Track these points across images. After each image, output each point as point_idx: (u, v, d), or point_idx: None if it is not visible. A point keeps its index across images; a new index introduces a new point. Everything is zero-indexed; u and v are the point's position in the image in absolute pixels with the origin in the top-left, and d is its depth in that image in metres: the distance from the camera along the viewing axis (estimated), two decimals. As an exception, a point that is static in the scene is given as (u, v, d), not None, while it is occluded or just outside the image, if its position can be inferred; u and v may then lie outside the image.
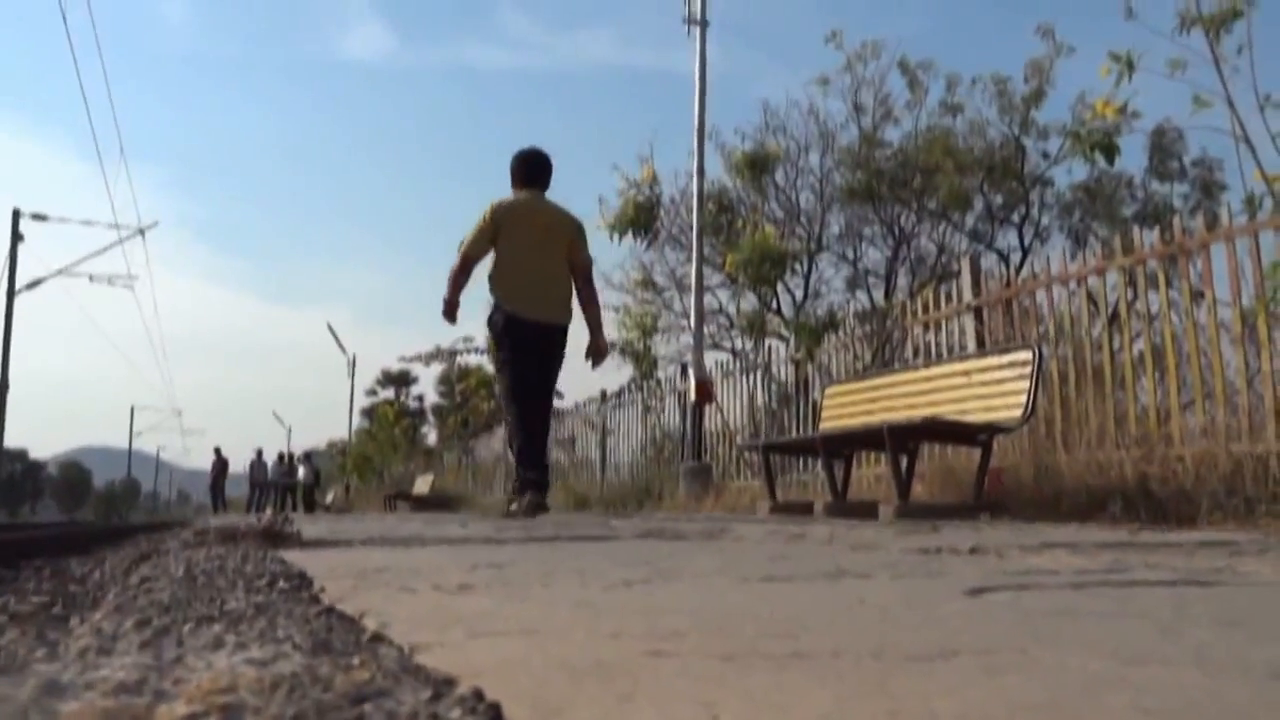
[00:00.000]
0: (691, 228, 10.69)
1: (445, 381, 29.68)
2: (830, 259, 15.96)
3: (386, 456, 26.89)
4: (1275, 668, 0.87)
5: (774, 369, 8.93)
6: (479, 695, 0.72)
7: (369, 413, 37.34)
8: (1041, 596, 1.42)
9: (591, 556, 2.26)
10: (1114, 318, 5.35)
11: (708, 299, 13.22)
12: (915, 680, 0.79)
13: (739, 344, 13.77)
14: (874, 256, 16.09)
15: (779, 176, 15.04)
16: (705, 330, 11.43)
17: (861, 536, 2.99)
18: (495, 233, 5.46)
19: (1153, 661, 0.89)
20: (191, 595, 1.55)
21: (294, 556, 2.28)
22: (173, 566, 2.27)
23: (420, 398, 44.86)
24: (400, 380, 45.27)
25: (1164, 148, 14.51)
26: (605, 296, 14.07)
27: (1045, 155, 15.18)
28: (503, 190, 5.80)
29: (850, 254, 16.06)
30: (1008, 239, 15.88)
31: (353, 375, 30.49)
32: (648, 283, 14.30)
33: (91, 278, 27.69)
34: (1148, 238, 5.22)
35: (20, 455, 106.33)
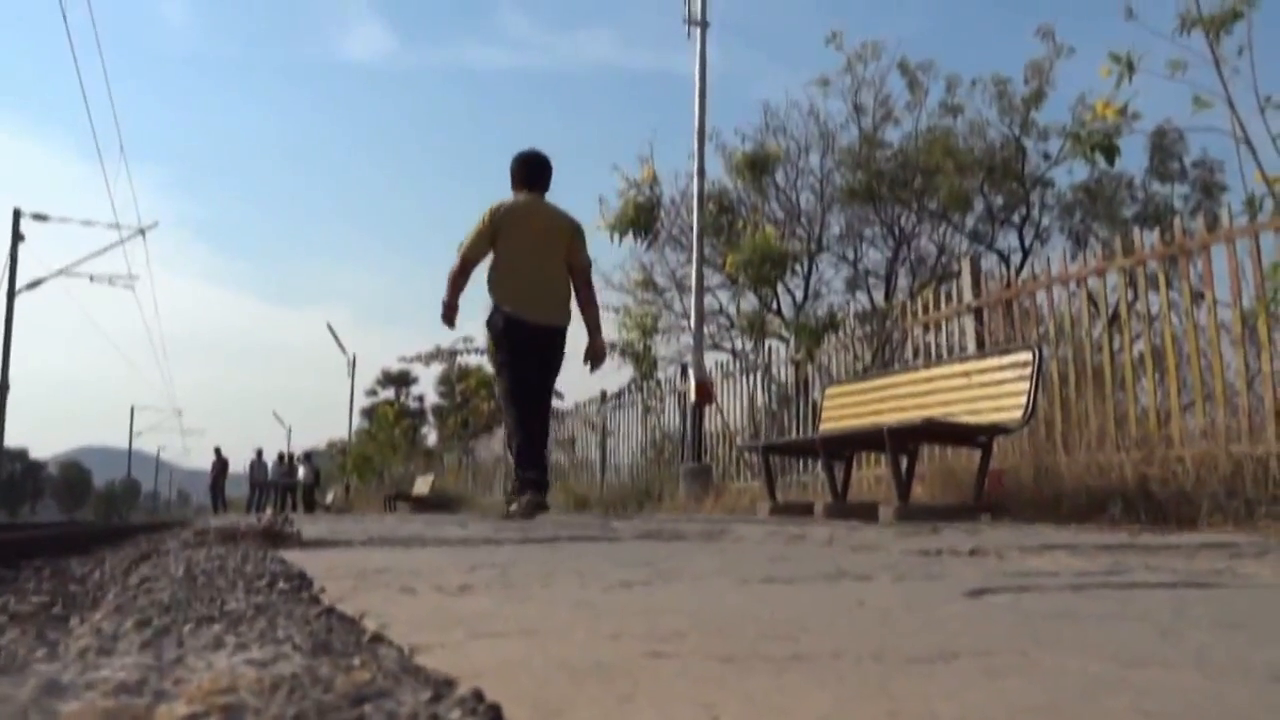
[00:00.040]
0: (692, 228, 10.69)
1: (445, 382, 29.68)
2: (830, 260, 15.97)
3: (386, 457, 26.88)
4: (1276, 670, 0.87)
5: (774, 370, 8.93)
6: (479, 696, 0.72)
7: (369, 413, 37.33)
8: (1042, 598, 1.42)
9: (591, 557, 2.26)
10: (1114, 319, 5.35)
11: (708, 300, 13.23)
12: (915, 682, 0.79)
13: (739, 345, 13.77)
14: (874, 257, 16.10)
15: (779, 177, 15.05)
16: (705, 331, 11.43)
17: (862, 538, 2.99)
18: (494, 235, 5.47)
19: (1153, 664, 0.89)
20: (191, 595, 1.55)
21: (294, 557, 2.28)
22: (173, 567, 2.27)
23: (420, 398, 44.87)
24: (400, 380, 45.28)
25: (1164, 149, 14.51)
26: (606, 297, 14.08)
27: (1046, 156, 15.19)
28: (503, 190, 5.82)
29: (850, 255, 16.07)
30: (1008, 240, 15.89)
31: (353, 375, 30.51)
32: (648, 283, 14.30)
33: (92, 278, 27.73)
34: (1148, 239, 5.22)
35: (20, 455, 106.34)
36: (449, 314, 5.63)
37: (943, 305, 6.72)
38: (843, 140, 15.38)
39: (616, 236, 11.13)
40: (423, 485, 18.15)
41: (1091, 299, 5.57)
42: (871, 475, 6.70)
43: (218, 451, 28.76)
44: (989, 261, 14.42)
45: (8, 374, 24.48)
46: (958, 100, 15.10)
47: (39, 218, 25.97)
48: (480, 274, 5.58)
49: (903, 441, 4.99)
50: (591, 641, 1.01)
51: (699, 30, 10.15)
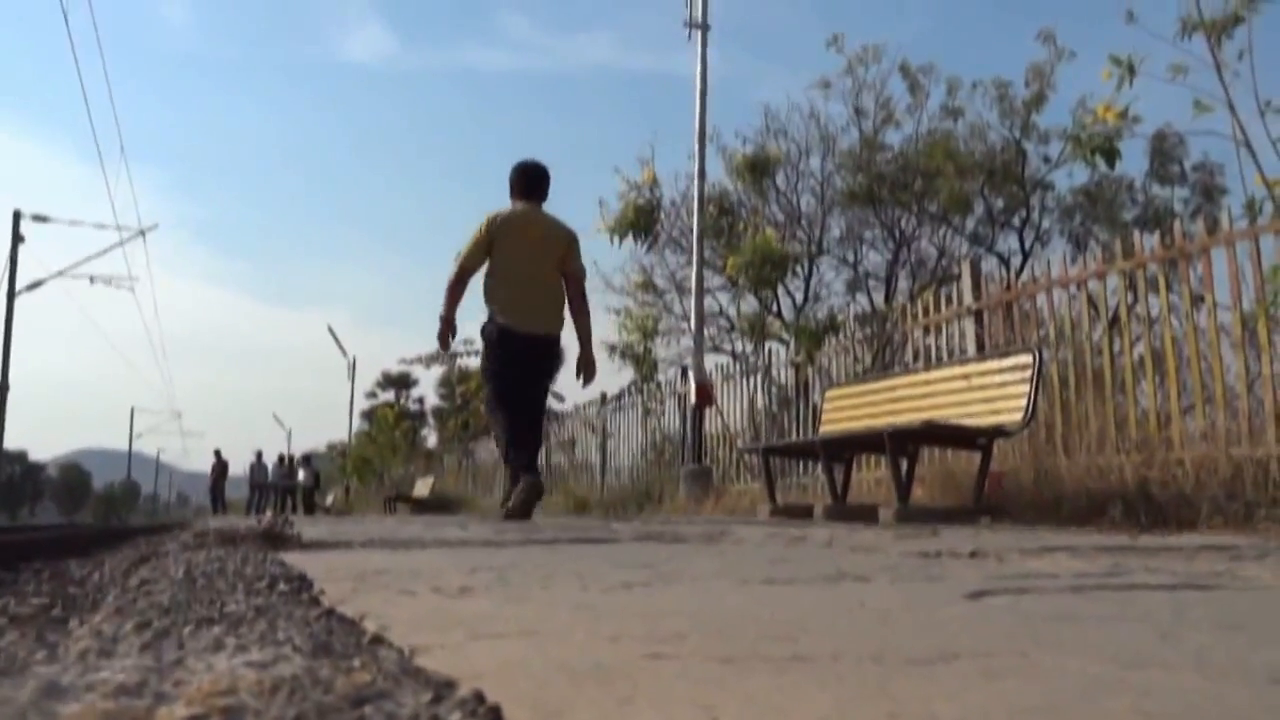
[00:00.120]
0: (692, 230, 10.69)
1: (446, 384, 29.68)
2: (831, 262, 15.97)
3: (386, 459, 26.88)
4: (1275, 672, 0.87)
5: (774, 372, 8.93)
6: (479, 697, 0.72)
7: (369, 415, 37.32)
8: (1041, 600, 1.42)
9: (591, 559, 2.26)
10: (1114, 321, 5.35)
11: (708, 302, 13.22)
12: (915, 683, 0.79)
13: (739, 347, 13.77)
14: (874, 259, 16.11)
15: (780, 179, 15.05)
16: (705, 333, 11.43)
17: (861, 539, 2.99)
18: (491, 244, 5.51)
19: (1152, 665, 0.89)
20: (191, 597, 1.55)
21: (294, 559, 2.28)
22: (172, 569, 2.27)
23: (420, 400, 44.88)
24: (400, 382, 45.28)
25: (1165, 152, 14.51)
26: (606, 299, 14.12)
27: (1046, 159, 15.19)
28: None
29: (851, 257, 16.07)
30: (1008, 242, 15.89)
31: (353, 377, 30.48)
32: (648, 285, 14.29)
33: (92, 279, 27.73)
34: (1148, 242, 5.22)
35: (20, 457, 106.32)
36: (446, 332, 5.66)
37: (943, 308, 6.73)
38: (843, 143, 15.40)
39: (616, 239, 11.14)
40: (423, 487, 18.15)
41: (1092, 302, 5.57)
42: (871, 477, 6.70)
43: (217, 453, 28.77)
44: (989, 264, 14.43)
45: (7, 375, 24.49)
46: (958, 103, 15.12)
47: (39, 219, 25.99)
48: (477, 282, 5.61)
49: (903, 444, 4.99)
50: (591, 643, 1.01)
51: (699, 33, 10.16)
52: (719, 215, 12.97)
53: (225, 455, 28.81)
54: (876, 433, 4.92)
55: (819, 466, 6.47)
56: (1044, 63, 14.34)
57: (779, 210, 15.26)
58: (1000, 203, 15.57)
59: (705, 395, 9.13)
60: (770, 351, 9.41)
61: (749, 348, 11.44)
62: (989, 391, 4.87)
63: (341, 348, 30.20)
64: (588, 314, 5.74)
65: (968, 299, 6.44)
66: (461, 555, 2.41)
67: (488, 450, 17.14)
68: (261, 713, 0.70)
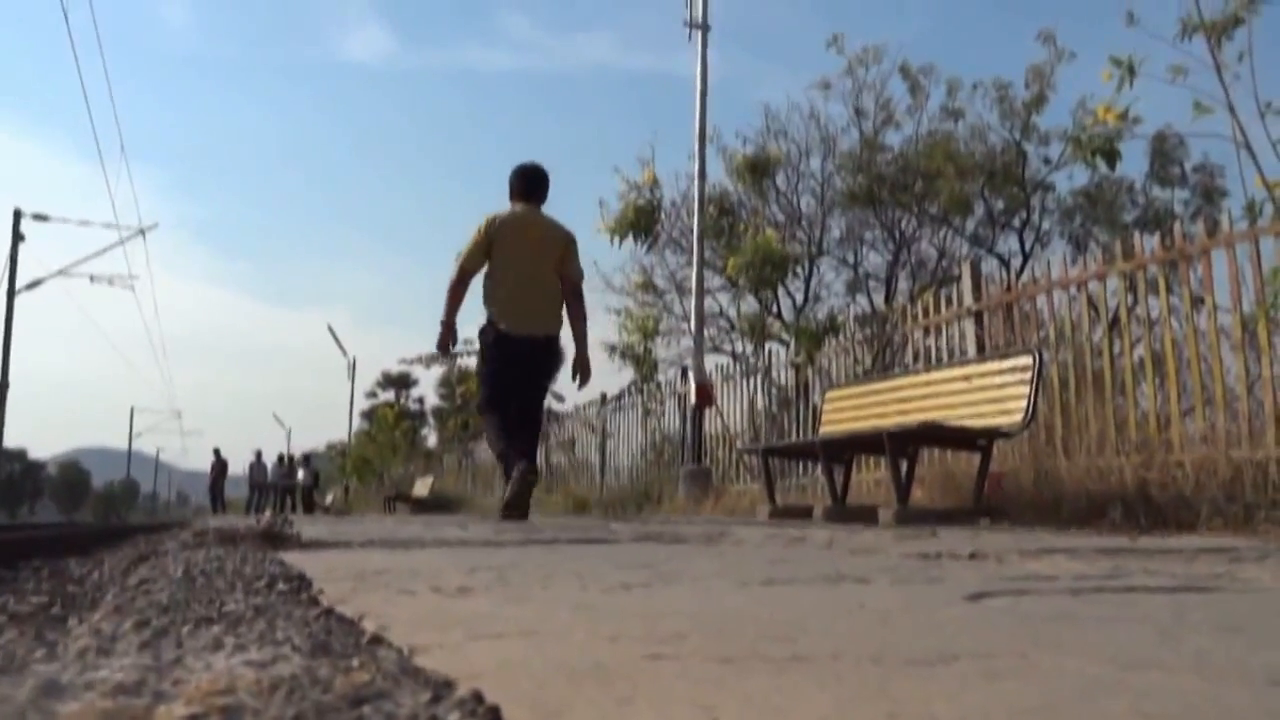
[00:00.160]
0: (692, 231, 10.69)
1: (446, 384, 29.70)
2: (831, 263, 15.98)
3: (386, 458, 26.88)
4: (1274, 674, 0.87)
5: (774, 373, 8.93)
6: (478, 697, 0.72)
7: (369, 415, 37.33)
8: (1041, 601, 1.42)
9: (591, 559, 2.26)
10: (1114, 323, 5.35)
11: (708, 302, 13.23)
12: (915, 684, 0.79)
13: (739, 347, 13.78)
14: (874, 260, 16.12)
15: (780, 180, 15.06)
16: (705, 334, 11.44)
17: (861, 541, 2.99)
18: (490, 245, 5.54)
19: (1152, 667, 0.89)
20: (190, 596, 1.54)
21: (293, 558, 2.28)
22: (172, 568, 2.27)
23: (420, 400, 44.90)
24: (400, 382, 45.28)
25: (1165, 153, 14.52)
26: (606, 299, 14.13)
27: (1046, 160, 15.19)
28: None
29: (851, 258, 16.08)
30: (1008, 244, 15.89)
31: (353, 377, 30.48)
32: (648, 286, 14.30)
33: (92, 278, 27.73)
34: (1148, 243, 5.22)
35: (19, 455, 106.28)
36: (446, 337, 5.68)
37: (943, 309, 6.73)
38: (843, 144, 15.41)
39: (616, 239, 11.14)
40: (422, 487, 18.16)
41: (1092, 303, 5.57)
42: (871, 478, 6.70)
43: (217, 453, 28.77)
44: (989, 265, 14.44)
45: (7, 374, 24.49)
46: (959, 104, 15.13)
47: (39, 218, 25.98)
48: (477, 283, 5.64)
49: (902, 445, 4.99)
50: (591, 643, 1.01)
51: (700, 33, 10.16)
52: (719, 216, 12.97)
53: (225, 454, 28.83)
54: (876, 434, 4.92)
55: (818, 467, 6.47)
56: (1044, 64, 14.35)
57: (779, 211, 15.27)
58: (1000, 204, 15.57)
59: (705, 396, 9.13)
60: (770, 352, 9.42)
61: (749, 348, 11.43)
62: (989, 393, 4.87)
63: (341, 347, 30.22)
64: (584, 316, 5.75)
65: (968, 300, 6.44)
66: (461, 555, 2.41)
67: (487, 450, 17.14)
68: (260, 712, 0.70)
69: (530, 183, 5.79)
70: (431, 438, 32.90)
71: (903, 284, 15.48)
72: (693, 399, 9.19)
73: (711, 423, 9.43)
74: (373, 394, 44.96)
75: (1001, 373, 4.85)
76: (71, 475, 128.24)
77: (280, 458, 29.11)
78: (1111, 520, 4.04)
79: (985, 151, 15.09)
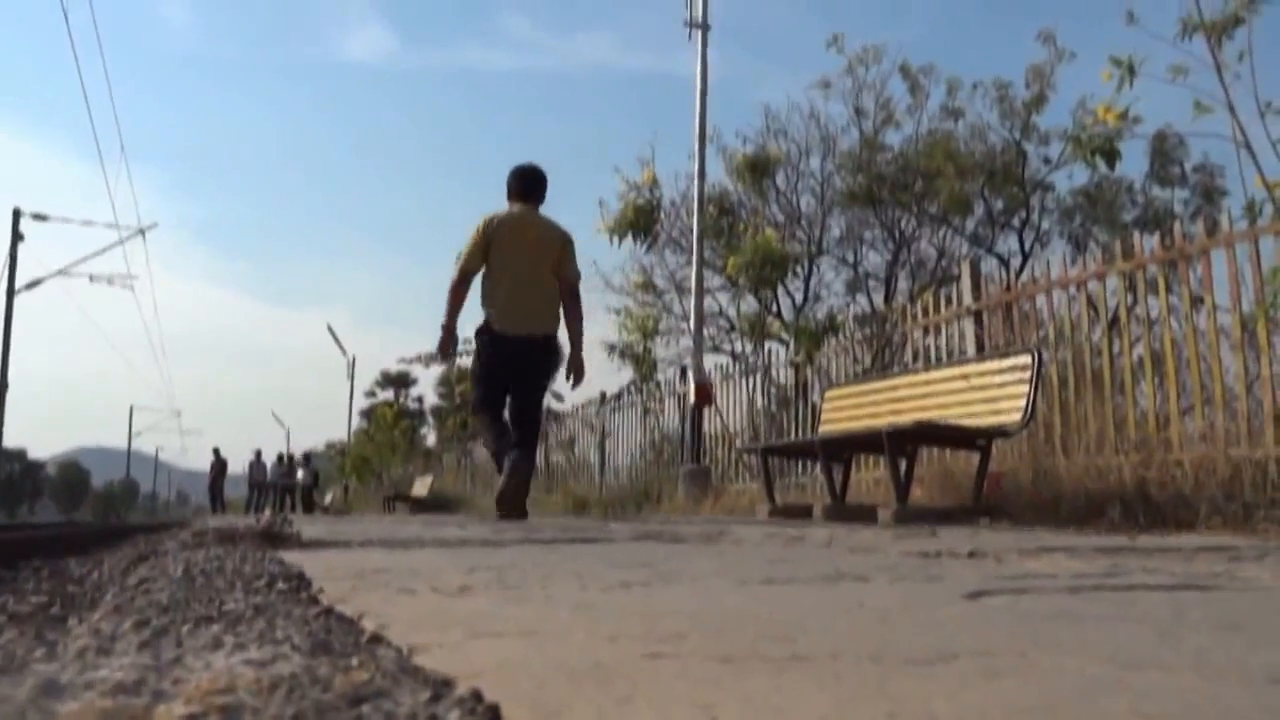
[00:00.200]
0: (692, 230, 10.70)
1: (445, 383, 29.69)
2: (830, 262, 15.99)
3: (385, 458, 26.86)
4: (1274, 673, 0.87)
5: (773, 372, 8.93)
6: (478, 696, 0.72)
7: (368, 414, 37.32)
8: (1040, 600, 1.42)
9: (590, 559, 2.26)
10: (1114, 323, 5.35)
11: (708, 302, 13.23)
12: (914, 683, 0.79)
13: (739, 347, 13.78)
14: (874, 260, 16.13)
15: (780, 180, 15.06)
16: (705, 333, 11.44)
17: (860, 539, 2.99)
18: (488, 245, 5.56)
19: (1151, 666, 0.89)
20: (190, 596, 1.54)
21: (293, 557, 2.28)
22: (171, 567, 2.27)
23: (420, 399, 44.92)
24: (399, 382, 45.30)
25: (1165, 153, 14.52)
26: (606, 299, 14.13)
27: (1046, 160, 15.20)
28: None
29: (850, 257, 16.09)
30: (1008, 243, 15.90)
31: (352, 377, 30.49)
32: (648, 285, 14.30)
33: (91, 278, 27.74)
34: (1148, 243, 5.22)
35: (19, 455, 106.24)
36: (447, 341, 5.70)
37: (942, 308, 6.73)
38: (843, 143, 15.41)
39: (616, 239, 11.14)
40: (421, 486, 18.15)
41: (1091, 303, 5.57)
42: (870, 477, 6.70)
43: (216, 452, 28.76)
44: (989, 265, 14.44)
45: (7, 373, 24.48)
46: (959, 104, 15.13)
47: (39, 217, 25.97)
48: (475, 285, 5.66)
49: (901, 444, 4.99)
50: (590, 642, 1.01)
51: (700, 33, 10.16)
52: (719, 215, 12.98)
53: (224, 454, 28.83)
54: (876, 433, 4.92)
55: (818, 466, 6.47)
56: (1044, 64, 14.35)
57: (779, 210, 15.27)
58: (1000, 204, 15.58)
59: (704, 395, 9.14)
60: (770, 352, 9.42)
61: (748, 348, 11.44)
62: (988, 392, 4.87)
63: (341, 347, 30.23)
64: (581, 317, 5.76)
65: (967, 300, 6.44)
66: (460, 554, 2.41)
67: (485, 450, 17.12)
68: (260, 711, 0.70)
69: (528, 183, 5.81)
70: (431, 437, 32.92)
71: (902, 283, 15.48)
72: (692, 398, 9.19)
73: (711, 422, 9.43)
74: (372, 393, 45.00)
75: (1001, 372, 4.85)
76: (71, 475, 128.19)
77: (280, 457, 29.11)
78: (1110, 519, 4.05)
79: (985, 151, 15.09)
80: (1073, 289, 5.69)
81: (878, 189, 14.83)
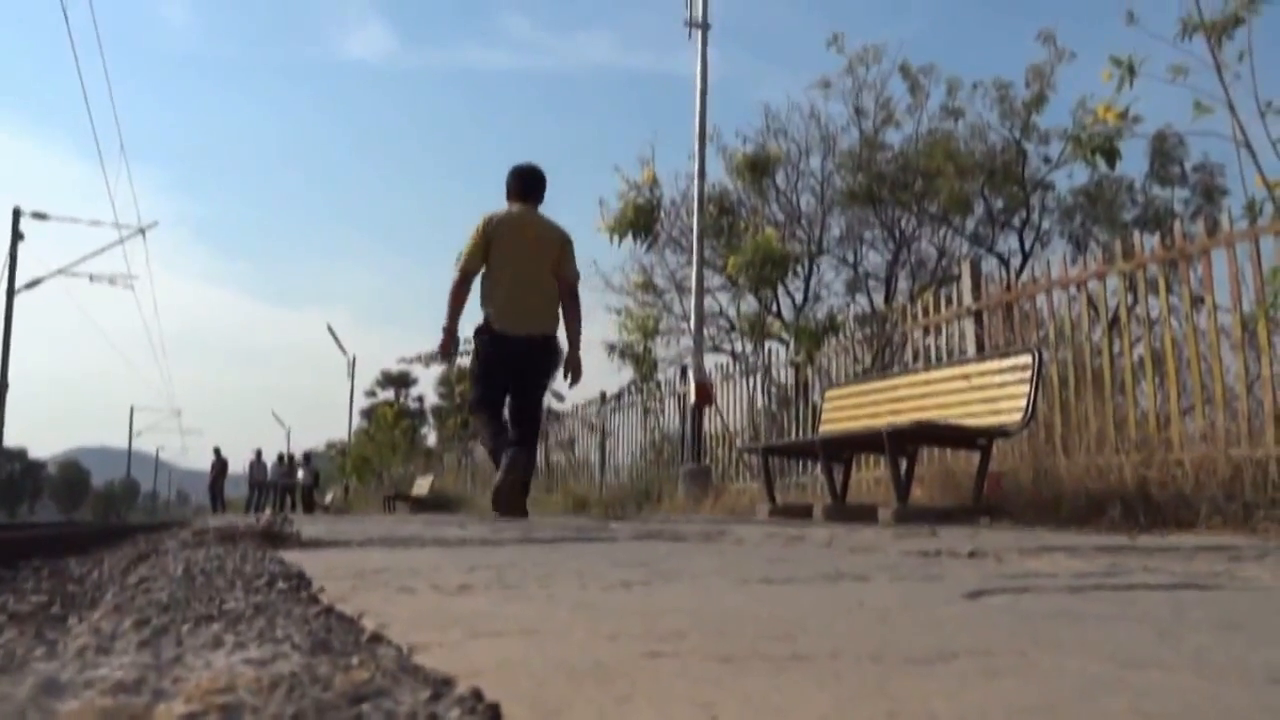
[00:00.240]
0: (692, 230, 10.70)
1: (445, 383, 29.69)
2: (830, 262, 15.99)
3: (386, 458, 26.87)
4: (1274, 672, 0.87)
5: (774, 372, 8.93)
6: (478, 695, 0.72)
7: (368, 414, 37.32)
8: (1040, 599, 1.42)
9: (590, 558, 2.26)
10: (1114, 322, 5.35)
11: (708, 301, 13.23)
12: (914, 682, 0.79)
13: (739, 347, 13.77)
14: (874, 260, 16.13)
15: (780, 179, 15.06)
16: (705, 333, 11.43)
17: (860, 539, 2.99)
18: (488, 245, 5.57)
19: (1151, 665, 0.89)
20: (190, 595, 1.54)
21: (293, 557, 2.28)
22: (171, 566, 2.27)
23: (420, 399, 44.93)
24: (400, 381, 45.30)
25: (1165, 153, 14.52)
26: (606, 298, 14.14)
27: (1046, 160, 15.19)
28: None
29: (850, 257, 16.09)
30: (1008, 243, 15.90)
31: (352, 376, 30.50)
32: (648, 285, 14.30)
33: (91, 277, 27.74)
34: (1148, 242, 5.22)
35: (19, 455, 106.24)
36: (449, 343, 5.71)
37: (943, 308, 6.73)
38: (843, 143, 15.41)
39: (616, 238, 11.14)
40: (422, 486, 18.16)
41: (1091, 302, 5.57)
42: (871, 477, 6.70)
43: (217, 452, 28.78)
44: (989, 265, 14.44)
45: (7, 373, 24.48)
46: (959, 103, 15.12)
47: (39, 216, 25.97)
48: (475, 285, 5.66)
49: (902, 444, 4.99)
50: (590, 641, 1.01)
51: (700, 32, 10.16)
52: (719, 215, 12.98)
53: (224, 453, 28.84)
54: (876, 433, 4.92)
55: (818, 466, 6.47)
56: (1044, 63, 14.35)
57: (779, 210, 15.27)
58: (1000, 203, 15.57)
59: (705, 395, 9.14)
60: (770, 351, 9.42)
61: (749, 347, 11.43)
62: (989, 392, 4.87)
63: (341, 346, 30.23)
64: (579, 317, 5.78)
65: (967, 299, 6.44)
66: (460, 554, 2.41)
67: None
68: (260, 710, 0.70)
69: (527, 183, 5.83)
70: (431, 437, 32.92)
71: (902, 283, 15.48)
72: (692, 398, 9.19)
73: (711, 422, 9.43)
74: (372, 393, 45.00)
75: (1001, 372, 4.85)
76: (71, 474, 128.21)
77: (280, 457, 29.12)
78: (1111, 519, 4.05)
79: (985, 151, 15.09)
80: (1073, 289, 5.69)
81: (878, 188, 14.83)
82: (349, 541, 2.91)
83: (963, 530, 3.66)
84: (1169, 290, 5.13)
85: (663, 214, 12.49)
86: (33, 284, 25.65)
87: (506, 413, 5.69)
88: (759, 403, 9.12)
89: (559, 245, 5.69)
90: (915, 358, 6.99)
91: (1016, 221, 15.74)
